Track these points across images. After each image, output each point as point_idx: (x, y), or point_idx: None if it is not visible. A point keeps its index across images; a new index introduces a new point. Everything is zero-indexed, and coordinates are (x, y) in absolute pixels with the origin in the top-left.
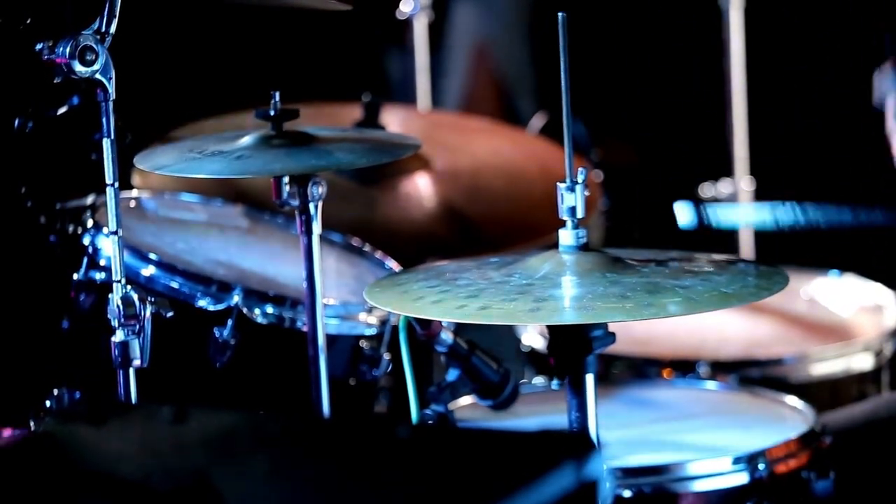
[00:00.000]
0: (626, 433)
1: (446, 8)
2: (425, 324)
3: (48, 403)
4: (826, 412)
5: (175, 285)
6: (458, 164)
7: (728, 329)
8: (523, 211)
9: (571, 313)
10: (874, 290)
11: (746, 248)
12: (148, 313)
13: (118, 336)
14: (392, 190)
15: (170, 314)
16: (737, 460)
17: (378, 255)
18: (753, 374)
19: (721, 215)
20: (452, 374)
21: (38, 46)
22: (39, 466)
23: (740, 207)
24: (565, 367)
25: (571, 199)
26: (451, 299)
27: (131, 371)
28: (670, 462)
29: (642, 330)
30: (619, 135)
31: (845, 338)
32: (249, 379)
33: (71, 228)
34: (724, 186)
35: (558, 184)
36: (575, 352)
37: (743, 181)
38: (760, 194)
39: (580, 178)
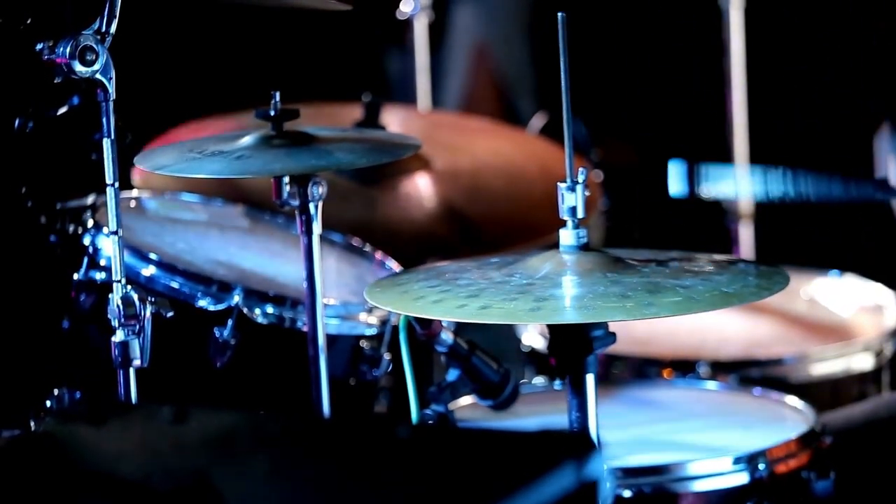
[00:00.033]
0: (626, 433)
1: (446, 8)
2: (425, 324)
3: (48, 403)
4: (826, 412)
5: (175, 285)
6: (459, 164)
7: (728, 329)
8: (523, 211)
9: (572, 313)
10: (874, 290)
11: (747, 247)
12: (148, 313)
13: (118, 336)
14: (392, 190)
15: (170, 314)
16: (737, 460)
17: (378, 255)
18: (753, 374)
19: (713, 185)
20: (453, 374)
21: (39, 46)
22: (39, 466)
23: (733, 177)
24: (566, 367)
25: (572, 199)
26: (451, 299)
27: (131, 371)
28: (670, 462)
29: (642, 330)
30: (619, 135)
31: (845, 338)
32: (250, 379)
33: (71, 228)
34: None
35: (559, 184)
36: (575, 352)
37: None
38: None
39: (580, 178)
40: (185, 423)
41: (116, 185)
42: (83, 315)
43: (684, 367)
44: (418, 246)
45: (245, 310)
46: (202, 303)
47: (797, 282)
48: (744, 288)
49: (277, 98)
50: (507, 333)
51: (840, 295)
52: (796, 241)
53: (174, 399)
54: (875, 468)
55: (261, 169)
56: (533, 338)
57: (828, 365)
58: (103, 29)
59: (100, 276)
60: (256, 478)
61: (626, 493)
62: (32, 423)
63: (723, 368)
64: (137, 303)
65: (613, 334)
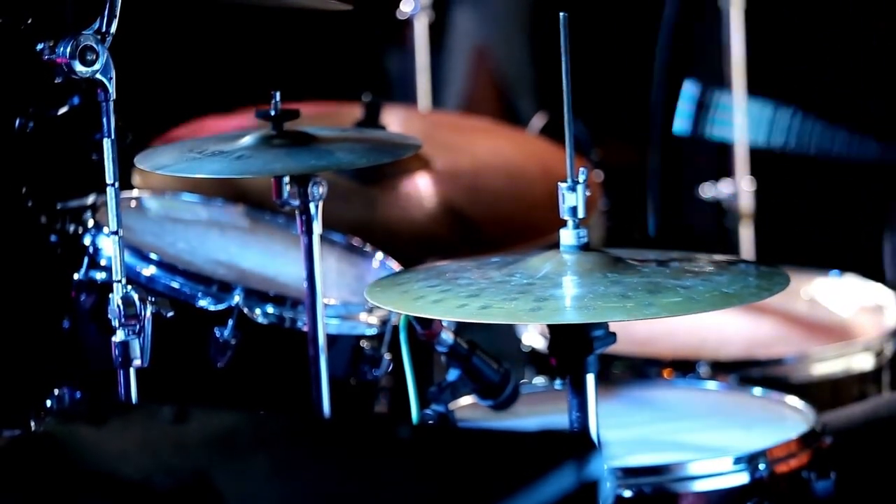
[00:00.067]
0: (626, 433)
1: (446, 9)
2: (426, 324)
3: (48, 403)
4: (826, 412)
5: (176, 285)
6: (459, 164)
7: (728, 329)
8: (524, 211)
9: (572, 312)
10: (875, 291)
11: (747, 248)
12: (148, 313)
13: (119, 336)
14: (392, 190)
15: (170, 314)
16: (737, 460)
17: (379, 255)
18: (754, 374)
19: (717, 125)
20: (453, 374)
21: (39, 46)
22: (39, 466)
23: (738, 119)
24: (566, 367)
25: (573, 199)
26: (451, 298)
27: (132, 371)
28: (671, 462)
29: (643, 330)
30: (619, 135)
31: (846, 338)
32: (250, 379)
33: (72, 228)
34: (724, 186)
35: (560, 183)
36: (576, 352)
37: (743, 181)
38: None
39: (581, 178)
40: (185, 423)
41: (117, 184)
42: (84, 315)
43: (685, 367)
44: (418, 246)
45: (245, 310)
46: (202, 303)
47: (797, 282)
48: (744, 288)
49: (278, 98)
50: (508, 333)
51: (840, 295)
52: (796, 241)
53: (174, 399)
54: (875, 468)
55: (261, 169)
56: (533, 338)
57: (828, 365)
58: (103, 29)
59: (100, 276)
60: (257, 478)
61: (627, 493)
62: (33, 423)
63: (723, 368)
64: (138, 303)
65: (614, 334)
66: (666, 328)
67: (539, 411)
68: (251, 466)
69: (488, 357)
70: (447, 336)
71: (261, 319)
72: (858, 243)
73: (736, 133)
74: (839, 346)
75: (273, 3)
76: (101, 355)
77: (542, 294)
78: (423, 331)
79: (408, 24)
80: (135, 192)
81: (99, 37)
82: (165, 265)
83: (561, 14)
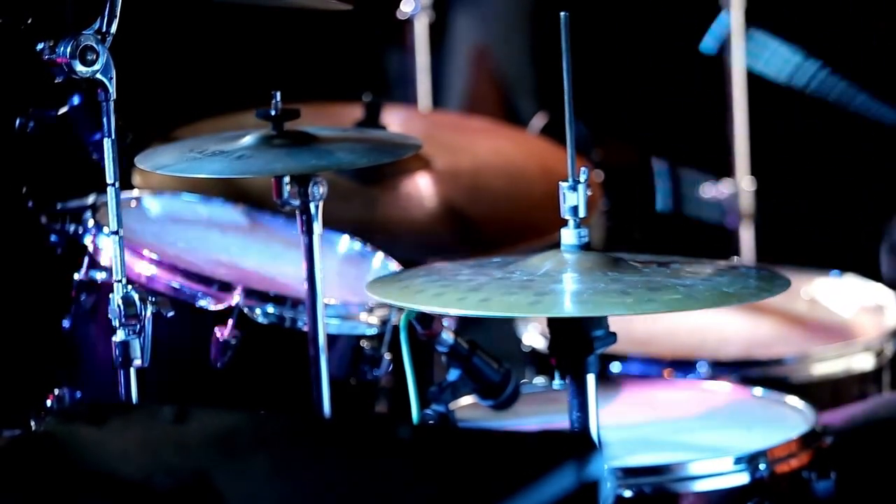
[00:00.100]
0: (626, 433)
1: (447, 10)
2: (426, 323)
3: (49, 403)
4: (827, 412)
5: (176, 285)
6: (459, 164)
7: (728, 329)
8: (524, 211)
9: (571, 306)
10: (875, 291)
11: (747, 248)
12: (149, 313)
13: (119, 336)
14: (393, 190)
15: (170, 314)
16: (738, 460)
17: (379, 255)
18: (754, 374)
19: (751, 57)
20: (453, 374)
21: (39, 46)
22: (40, 466)
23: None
24: (567, 367)
25: (574, 199)
26: (451, 292)
27: (132, 371)
28: (671, 462)
29: (643, 330)
30: (619, 135)
31: (846, 338)
32: (250, 379)
33: (72, 228)
34: (725, 186)
35: (561, 183)
36: (576, 351)
37: (744, 181)
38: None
39: (582, 178)
40: (185, 423)
41: (117, 184)
42: (84, 315)
43: (685, 367)
44: (419, 246)
45: (245, 310)
46: (203, 302)
47: (798, 282)
48: (744, 289)
49: (278, 98)
50: (508, 333)
51: (840, 295)
52: (796, 241)
53: (175, 399)
54: (875, 468)
55: (261, 169)
56: (534, 338)
57: (828, 365)
58: (104, 29)
59: (100, 275)
60: (257, 478)
61: (627, 493)
62: (33, 423)
63: (723, 368)
64: (138, 302)
65: (614, 334)
66: (666, 328)
67: (539, 411)
68: (251, 466)
69: (489, 357)
70: (448, 336)
71: (261, 319)
72: (858, 243)
73: (736, 133)
74: (839, 346)
75: (273, 3)
76: (101, 355)
77: (541, 289)
78: (423, 331)
79: (408, 24)
80: (135, 192)
81: (99, 37)
82: (166, 265)
83: (562, 14)
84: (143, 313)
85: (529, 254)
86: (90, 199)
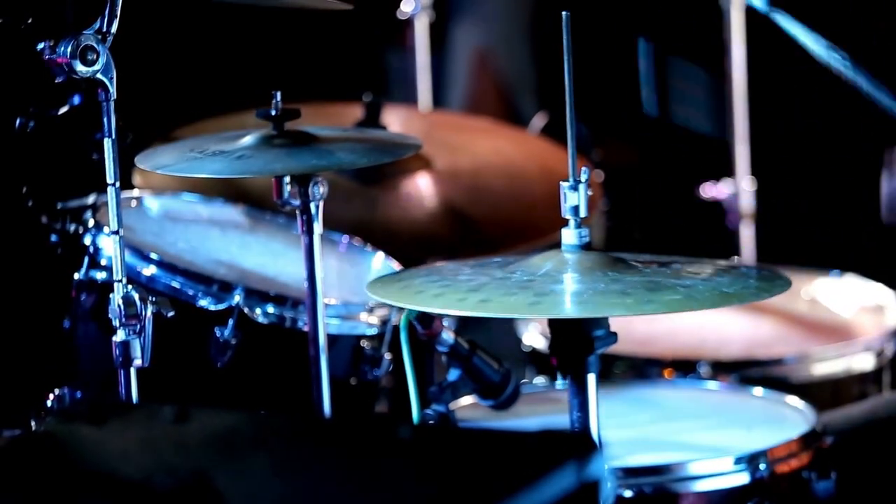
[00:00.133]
0: (627, 433)
1: (448, 11)
2: (426, 323)
3: (49, 403)
4: (827, 412)
5: (176, 285)
6: (459, 163)
7: (729, 329)
8: (524, 211)
9: (571, 307)
10: (875, 290)
11: (747, 248)
12: (149, 313)
13: (119, 336)
14: (393, 190)
15: (171, 314)
16: (738, 460)
17: (379, 254)
18: (754, 374)
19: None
20: (453, 374)
21: (40, 46)
22: (40, 466)
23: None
24: (567, 367)
25: (574, 198)
26: (451, 293)
27: (132, 371)
28: (671, 462)
29: (643, 330)
30: (619, 135)
31: (846, 338)
32: (250, 379)
33: (72, 228)
34: (724, 186)
35: (561, 182)
36: (577, 351)
37: (744, 181)
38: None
39: (583, 178)
40: (186, 423)
41: (117, 184)
42: (84, 315)
43: (685, 367)
44: (419, 246)
45: (246, 309)
46: (203, 302)
47: (798, 282)
48: (744, 289)
49: (279, 98)
50: (508, 333)
51: (841, 295)
52: (797, 241)
53: (175, 399)
54: (876, 468)
55: (262, 169)
56: (534, 338)
57: (829, 365)
58: (104, 28)
59: (101, 275)
60: (257, 478)
61: (627, 493)
62: (33, 423)
63: (724, 368)
64: (138, 302)
65: (614, 334)
66: (667, 328)
67: (540, 411)
68: (252, 466)
69: (489, 357)
70: (448, 336)
71: (261, 319)
72: (858, 243)
73: (736, 133)
74: (840, 346)
75: (273, 3)
76: (101, 355)
77: (541, 290)
78: (423, 330)
79: (408, 23)
80: (135, 192)
81: (100, 36)
82: (166, 265)
83: (563, 13)
84: (143, 313)
85: (530, 254)
86: (90, 199)
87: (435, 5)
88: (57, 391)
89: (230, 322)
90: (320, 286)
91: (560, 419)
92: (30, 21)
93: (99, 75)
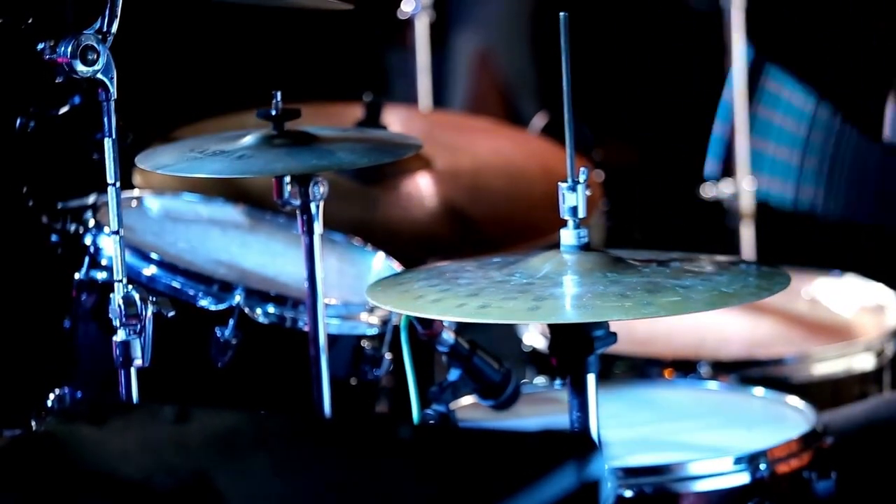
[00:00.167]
0: (627, 433)
1: (448, 12)
2: (427, 323)
3: (49, 403)
4: (827, 412)
5: (176, 285)
6: (459, 164)
7: (729, 329)
8: (524, 211)
9: (570, 312)
10: (875, 290)
11: (747, 248)
12: (149, 313)
13: (120, 335)
14: (393, 190)
15: (171, 314)
16: (738, 460)
17: (380, 254)
18: (754, 374)
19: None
20: (454, 374)
21: (40, 46)
22: (40, 466)
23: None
24: (567, 367)
25: (573, 199)
26: (450, 298)
27: (133, 371)
28: (672, 462)
29: (643, 330)
30: (619, 135)
31: (847, 338)
32: (251, 379)
33: (72, 228)
34: (724, 186)
35: (560, 183)
36: (577, 351)
37: (744, 181)
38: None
39: (582, 178)
40: (186, 423)
41: (118, 184)
42: (84, 315)
43: (685, 367)
44: (419, 246)
45: (246, 309)
46: (203, 302)
47: (798, 282)
48: (743, 288)
49: (279, 98)
50: (509, 333)
51: (841, 295)
52: (797, 241)
53: (176, 399)
54: (876, 468)
55: (262, 168)
56: (534, 338)
57: (829, 365)
58: (105, 28)
59: (101, 275)
60: (257, 478)
61: (628, 493)
62: (34, 423)
63: (724, 368)
64: (139, 302)
65: (614, 334)
66: (667, 328)
67: (540, 411)
68: (252, 466)
69: (489, 357)
70: (448, 336)
71: (262, 319)
72: (858, 243)
73: (737, 132)
74: (840, 346)
75: (274, 3)
76: (101, 355)
77: (541, 293)
78: (424, 330)
79: (408, 23)
80: (136, 192)
81: (100, 36)
82: (166, 265)
83: (561, 14)
84: (143, 313)
85: (529, 254)
86: (91, 199)
87: (435, 5)
88: (57, 391)
89: (231, 322)
90: (321, 286)
91: (560, 419)
92: (30, 21)
93: (99, 75)
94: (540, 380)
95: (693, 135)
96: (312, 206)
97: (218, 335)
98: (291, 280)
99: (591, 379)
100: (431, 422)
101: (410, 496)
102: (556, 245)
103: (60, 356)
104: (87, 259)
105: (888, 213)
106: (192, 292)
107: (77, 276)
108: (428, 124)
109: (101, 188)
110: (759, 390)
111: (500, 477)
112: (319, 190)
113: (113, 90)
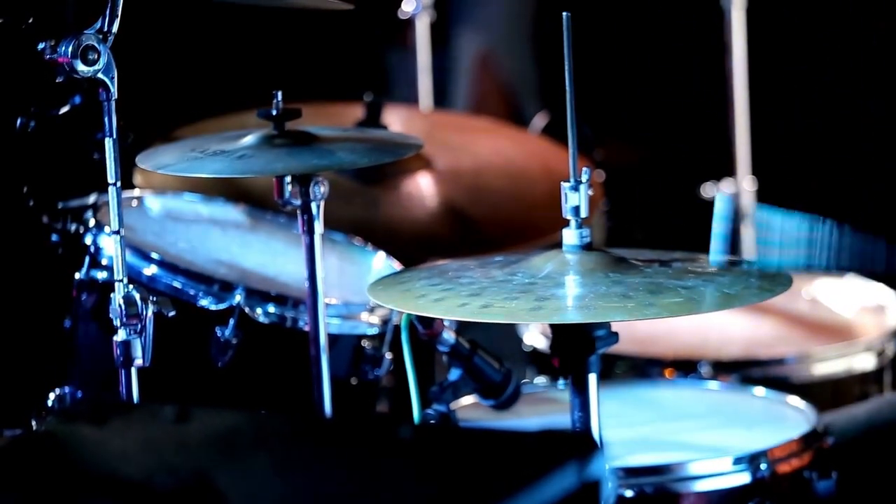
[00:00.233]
0: (628, 433)
1: (449, 12)
2: (427, 323)
3: (50, 403)
4: (828, 412)
5: (177, 285)
6: (460, 163)
7: (730, 329)
8: (525, 211)
9: (572, 312)
10: (876, 291)
11: (747, 248)
12: (150, 313)
13: (120, 335)
14: (394, 190)
15: (172, 313)
16: (738, 460)
17: (380, 254)
18: (755, 374)
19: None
20: (454, 374)
21: (41, 46)
22: (41, 466)
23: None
24: (568, 367)
25: (575, 199)
26: (452, 297)
27: (133, 370)
28: (672, 462)
29: (644, 330)
30: (620, 135)
31: (847, 338)
32: (251, 379)
33: (73, 228)
34: (725, 186)
35: (562, 183)
36: (578, 351)
37: (745, 181)
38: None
39: (584, 178)
40: (186, 423)
41: (118, 184)
42: (85, 314)
43: (686, 367)
44: (420, 246)
45: (247, 309)
46: (204, 302)
47: (799, 282)
48: (745, 289)
49: (279, 98)
50: (509, 333)
51: (842, 295)
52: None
53: (176, 399)
54: (877, 468)
55: (263, 168)
56: (535, 337)
57: (829, 365)
58: (105, 28)
59: (101, 275)
60: (258, 477)
61: (628, 493)
62: (34, 423)
63: (724, 368)
64: (139, 302)
65: (616, 334)
66: (668, 328)
67: (541, 411)
68: (252, 466)
69: (490, 357)
70: (449, 335)
71: (262, 319)
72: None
73: (737, 133)
74: (841, 346)
75: (274, 3)
76: (101, 355)
77: (543, 293)
78: (424, 330)
79: (409, 23)
80: (136, 192)
81: (101, 36)
82: (167, 264)
83: (564, 14)
84: (144, 313)
85: (531, 253)
86: (91, 199)
87: (436, 5)
88: (57, 391)
89: (231, 322)
90: (321, 286)
91: (561, 419)
92: (30, 21)
93: (100, 75)
94: (540, 380)
95: (693, 135)
96: (313, 205)
97: (218, 335)
98: (292, 280)
99: (592, 379)
100: (432, 422)
101: (411, 496)
102: (556, 245)
103: (61, 356)
104: (87, 259)
105: None
106: (192, 292)
107: (77, 275)
108: (428, 124)
109: (102, 188)
110: (759, 390)
111: (500, 477)
112: (320, 190)
113: (113, 90)
